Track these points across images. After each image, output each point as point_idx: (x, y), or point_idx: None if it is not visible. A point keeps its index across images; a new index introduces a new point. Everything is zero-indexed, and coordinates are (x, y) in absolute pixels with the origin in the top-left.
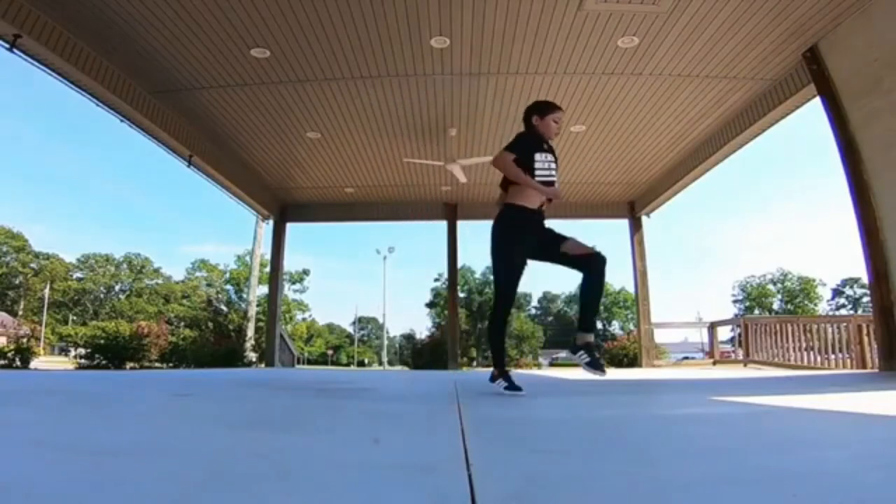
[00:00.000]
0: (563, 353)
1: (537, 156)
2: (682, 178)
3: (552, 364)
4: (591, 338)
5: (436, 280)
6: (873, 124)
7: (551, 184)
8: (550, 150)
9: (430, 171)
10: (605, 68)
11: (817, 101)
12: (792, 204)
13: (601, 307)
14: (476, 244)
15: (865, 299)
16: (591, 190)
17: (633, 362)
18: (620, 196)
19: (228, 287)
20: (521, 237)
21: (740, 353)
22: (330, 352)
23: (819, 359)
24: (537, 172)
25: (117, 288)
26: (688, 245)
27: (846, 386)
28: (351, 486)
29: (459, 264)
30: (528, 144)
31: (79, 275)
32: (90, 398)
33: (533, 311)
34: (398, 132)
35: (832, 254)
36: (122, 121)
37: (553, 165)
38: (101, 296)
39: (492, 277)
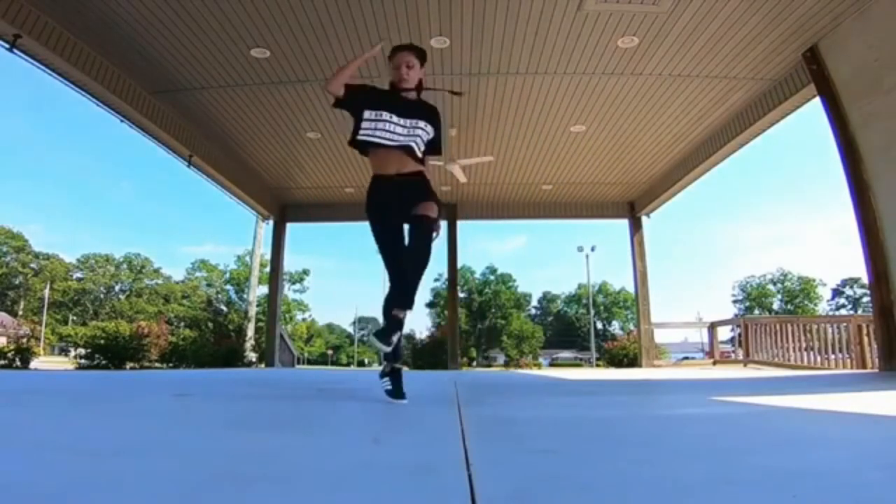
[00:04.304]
0: (563, 353)
1: (366, 113)
2: (682, 179)
3: (552, 364)
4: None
5: (435, 280)
6: (873, 125)
7: (378, 145)
8: (407, 104)
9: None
10: (605, 68)
11: (817, 101)
12: (792, 204)
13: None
14: (474, 244)
15: (865, 299)
16: (591, 190)
17: (633, 362)
18: (620, 196)
19: (228, 287)
20: (377, 214)
21: (740, 353)
22: (330, 352)
23: (819, 359)
24: (360, 133)
25: (117, 288)
26: (688, 245)
27: (846, 386)
28: (351, 486)
29: (459, 264)
30: (368, 97)
31: (79, 275)
32: (90, 398)
33: (533, 311)
34: None
35: (832, 254)
36: (121, 121)
37: (389, 126)
38: (101, 296)
39: (492, 276)
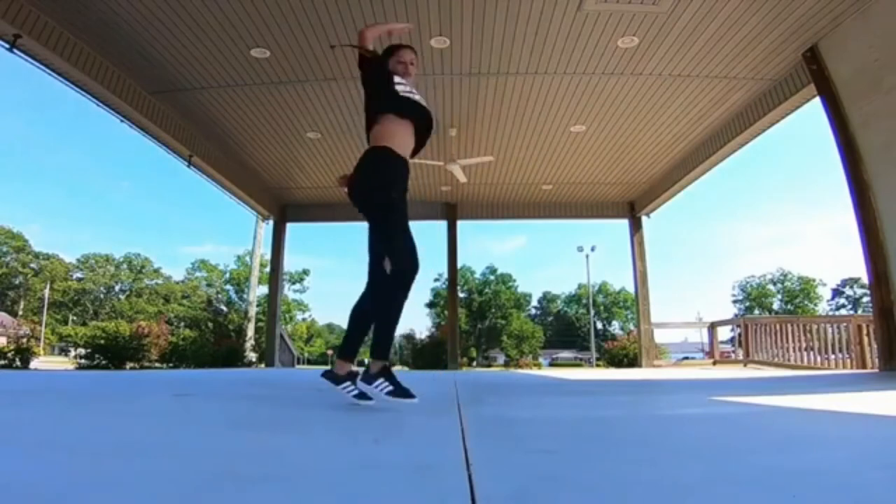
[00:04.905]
0: (563, 353)
1: (397, 78)
2: (682, 178)
3: (552, 364)
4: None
5: (436, 280)
6: (873, 124)
7: (413, 108)
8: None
9: (430, 171)
10: (605, 68)
11: (817, 101)
12: (792, 204)
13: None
14: (474, 244)
15: (865, 299)
16: (591, 190)
17: (633, 362)
18: (620, 196)
19: (228, 287)
20: (401, 193)
21: (740, 353)
22: (330, 352)
23: (819, 359)
24: (399, 90)
25: (117, 288)
26: (688, 245)
27: (846, 386)
28: (351, 486)
29: (459, 264)
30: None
31: (79, 275)
32: (90, 398)
33: (533, 312)
34: None
35: (832, 254)
36: (122, 121)
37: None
38: (101, 296)
39: (492, 276)
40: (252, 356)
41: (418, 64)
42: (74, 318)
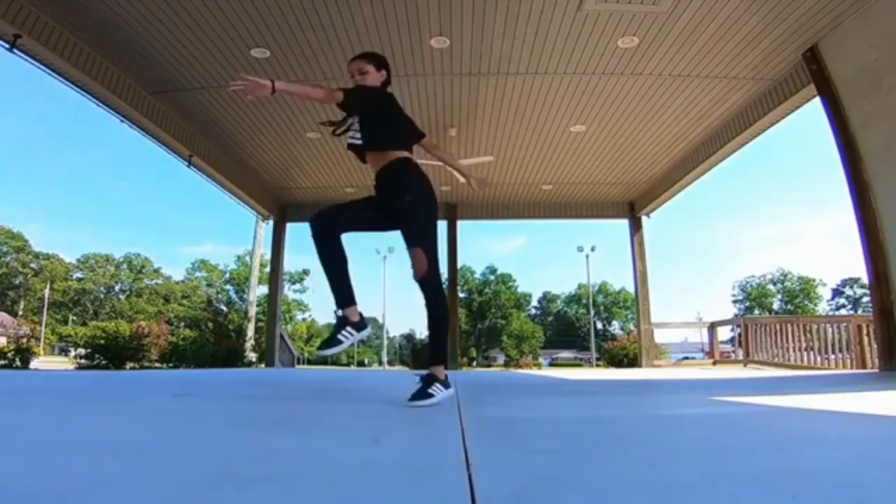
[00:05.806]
0: (563, 353)
1: None
2: (682, 178)
3: (552, 364)
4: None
5: None
6: (873, 124)
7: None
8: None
9: (430, 171)
10: (605, 68)
11: (817, 101)
12: (792, 204)
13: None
14: (474, 244)
15: (865, 299)
16: (591, 190)
17: (633, 362)
18: (620, 196)
19: (228, 287)
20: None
21: (740, 353)
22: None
23: (819, 359)
24: None
25: (117, 288)
26: (688, 245)
27: (846, 386)
28: (351, 486)
29: (459, 264)
30: None
31: (79, 275)
32: (90, 398)
33: (533, 312)
34: None
35: (832, 254)
36: (122, 121)
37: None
38: (101, 296)
39: (492, 276)
40: (252, 356)
41: (414, 64)
42: (74, 318)
